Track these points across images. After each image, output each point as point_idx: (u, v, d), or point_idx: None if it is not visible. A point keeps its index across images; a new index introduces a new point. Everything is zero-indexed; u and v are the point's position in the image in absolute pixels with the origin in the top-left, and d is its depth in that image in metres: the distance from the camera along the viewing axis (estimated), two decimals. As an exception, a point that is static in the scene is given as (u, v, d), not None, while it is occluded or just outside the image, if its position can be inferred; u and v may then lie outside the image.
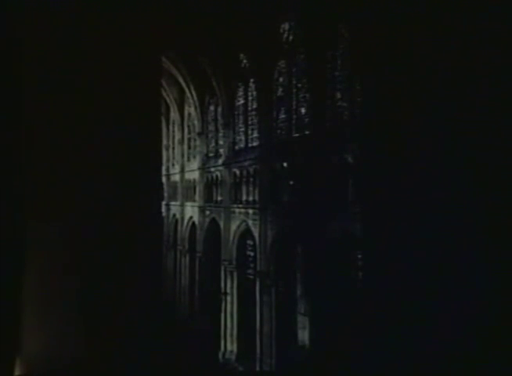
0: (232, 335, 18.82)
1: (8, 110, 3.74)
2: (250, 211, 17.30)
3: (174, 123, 26.97)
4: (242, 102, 19.19)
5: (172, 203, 26.49)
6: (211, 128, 22.25)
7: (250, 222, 17.30)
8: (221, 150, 20.58)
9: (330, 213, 12.56)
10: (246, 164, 18.04)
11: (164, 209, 26.35)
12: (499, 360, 4.75)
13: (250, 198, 17.53)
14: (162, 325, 4.43)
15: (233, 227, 18.66)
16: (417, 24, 5.52)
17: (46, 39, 3.91)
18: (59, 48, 3.93)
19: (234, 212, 18.65)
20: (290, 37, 15.84)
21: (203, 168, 22.21)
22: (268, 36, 16.23)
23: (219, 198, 20.40)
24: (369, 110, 7.02)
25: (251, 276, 17.73)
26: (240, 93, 19.29)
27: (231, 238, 18.79)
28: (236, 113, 19.53)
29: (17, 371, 3.73)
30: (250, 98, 18.58)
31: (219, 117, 21.15)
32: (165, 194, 26.60)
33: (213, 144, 22.04)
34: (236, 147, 19.42)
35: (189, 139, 25.01)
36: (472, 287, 5.02)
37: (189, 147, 24.96)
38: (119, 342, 3.93)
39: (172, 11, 12.56)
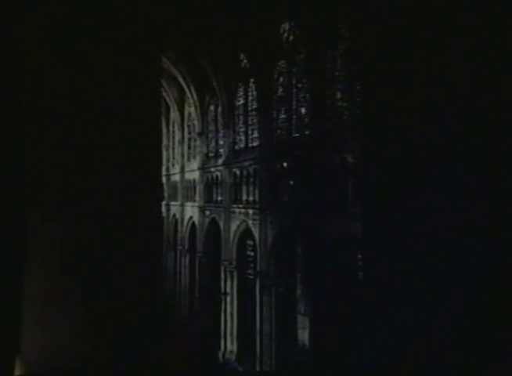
0: (232, 335, 18.82)
1: (8, 109, 3.74)
2: (250, 211, 17.30)
3: (174, 123, 26.97)
4: (242, 102, 19.19)
5: (172, 203, 26.49)
6: (211, 128, 22.25)
7: (250, 222, 17.30)
8: (221, 150, 20.58)
9: (330, 213, 12.56)
10: (246, 164, 18.04)
11: (164, 209, 26.35)
12: (499, 359, 4.75)
13: (250, 198, 17.53)
14: (162, 325, 4.43)
15: (233, 227, 18.66)
16: (418, 23, 5.52)
17: (45, 39, 3.91)
18: (59, 48, 3.93)
19: (234, 212, 18.64)
20: (290, 38, 15.84)
21: (203, 168, 22.21)
22: (268, 36, 16.23)
23: (219, 198, 20.40)
24: (369, 110, 7.02)
25: (251, 276, 17.73)
26: (240, 93, 19.29)
27: (231, 238, 18.78)
28: (236, 113, 19.53)
29: (17, 371, 3.73)
30: (250, 98, 18.57)
31: (219, 117, 21.15)
32: (165, 194, 26.60)
33: (213, 144, 22.04)
34: (236, 147, 19.42)
35: (189, 139, 25.01)
36: (473, 288, 5.02)
37: (189, 147, 24.96)
38: (119, 342, 3.93)
39: (172, 11, 12.56)
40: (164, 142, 26.89)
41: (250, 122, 18.58)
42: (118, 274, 3.96)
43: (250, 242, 18.01)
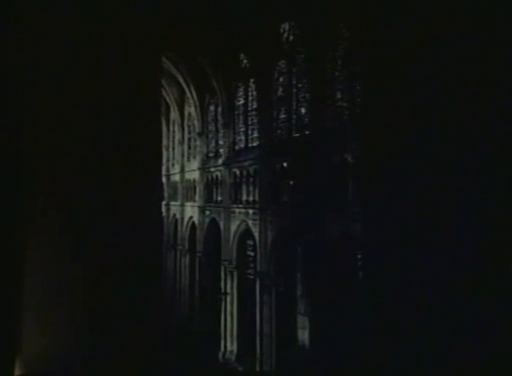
0: (232, 335, 18.82)
1: (7, 110, 3.74)
2: (250, 211, 17.30)
3: (174, 123, 26.97)
4: (242, 102, 19.20)
5: (172, 203, 26.49)
6: (211, 128, 22.26)
7: (250, 222, 17.30)
8: (221, 150, 20.58)
9: (330, 213, 12.56)
10: (246, 164, 18.05)
11: (164, 209, 26.34)
12: (499, 359, 4.75)
13: (250, 198, 17.53)
14: (162, 325, 4.43)
15: (233, 227, 18.66)
16: (418, 23, 5.52)
17: (45, 38, 3.91)
18: (59, 47, 3.93)
19: (234, 212, 18.65)
20: (290, 38, 15.84)
21: (203, 168, 22.21)
22: (268, 36, 16.23)
23: (219, 198, 20.40)
24: (369, 110, 7.02)
25: (251, 276, 17.73)
26: (240, 93, 19.29)
27: (231, 238, 18.78)
28: (236, 113, 19.53)
29: (17, 371, 3.73)
30: (250, 98, 18.58)
31: (219, 117, 21.16)
32: (165, 194, 26.60)
33: (213, 144, 22.04)
34: (236, 147, 19.42)
35: (189, 139, 25.01)
36: (472, 287, 5.02)
37: (189, 147, 24.97)
38: (118, 342, 3.93)
39: (172, 11, 12.56)
40: (164, 142, 26.88)
41: (250, 122, 18.58)
42: (118, 274, 3.96)
43: (250, 242, 18.01)
